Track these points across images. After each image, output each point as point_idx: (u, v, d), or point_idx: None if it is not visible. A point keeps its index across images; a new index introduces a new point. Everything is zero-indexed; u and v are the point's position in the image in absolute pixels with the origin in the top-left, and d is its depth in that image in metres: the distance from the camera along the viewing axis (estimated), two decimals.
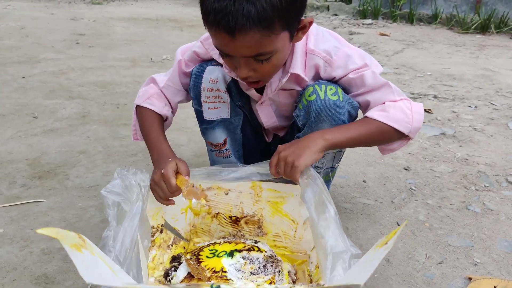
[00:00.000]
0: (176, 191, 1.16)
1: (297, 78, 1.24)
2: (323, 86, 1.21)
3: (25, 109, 2.42)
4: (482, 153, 2.04)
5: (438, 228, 1.48)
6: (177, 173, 1.17)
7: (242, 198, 1.30)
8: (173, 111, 1.43)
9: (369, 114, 1.22)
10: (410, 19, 5.60)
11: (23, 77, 2.97)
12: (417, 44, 4.43)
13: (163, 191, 1.16)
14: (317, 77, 1.26)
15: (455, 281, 1.24)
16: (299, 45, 1.20)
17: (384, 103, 1.22)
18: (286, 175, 1.15)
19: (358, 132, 1.19)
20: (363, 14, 6.10)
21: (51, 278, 1.22)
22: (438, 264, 1.31)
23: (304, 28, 1.11)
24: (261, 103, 1.35)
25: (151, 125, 1.33)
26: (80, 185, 1.69)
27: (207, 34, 1.26)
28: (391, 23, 5.59)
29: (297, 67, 1.22)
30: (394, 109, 1.20)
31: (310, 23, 1.11)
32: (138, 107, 1.39)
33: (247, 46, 1.02)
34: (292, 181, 1.18)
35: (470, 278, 1.24)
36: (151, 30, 4.70)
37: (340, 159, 1.41)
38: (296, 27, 1.08)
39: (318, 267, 1.09)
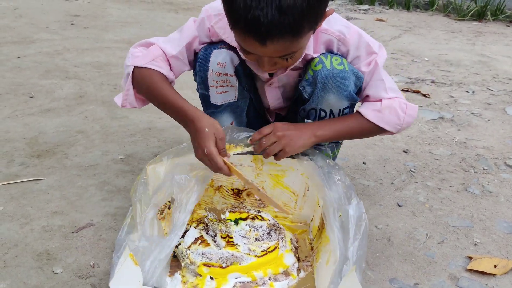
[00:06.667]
0: (223, 167, 1.12)
1: (307, 58, 1.24)
2: (329, 57, 1.22)
3: (21, 88, 2.39)
4: (480, 137, 2.05)
5: (438, 209, 1.49)
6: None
7: (244, 171, 1.31)
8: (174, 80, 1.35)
9: (363, 111, 1.27)
10: (406, 5, 5.57)
11: (18, 57, 2.92)
12: (414, 30, 4.41)
13: (211, 167, 1.14)
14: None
15: (455, 260, 1.25)
16: None
17: (381, 101, 1.26)
18: (270, 152, 1.22)
19: (349, 129, 1.28)
20: None
21: (53, 254, 1.22)
22: (438, 243, 1.32)
23: (325, 18, 1.09)
24: (270, 84, 1.34)
25: (163, 86, 1.21)
26: (79, 164, 1.68)
27: (215, 14, 1.23)
28: (387, 9, 5.56)
29: (309, 47, 1.22)
30: (389, 111, 1.25)
31: (331, 11, 1.10)
32: (138, 69, 1.24)
33: (276, 51, 1.03)
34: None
35: (470, 257, 1.25)
36: (146, 13, 4.64)
37: None
38: (320, 21, 1.08)
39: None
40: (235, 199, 1.38)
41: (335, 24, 1.24)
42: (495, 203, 1.53)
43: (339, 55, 1.25)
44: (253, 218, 1.25)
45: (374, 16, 5.05)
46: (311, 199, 1.32)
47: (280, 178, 1.33)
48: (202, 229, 1.21)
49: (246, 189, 1.37)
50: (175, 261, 1.16)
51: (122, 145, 1.84)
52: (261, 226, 1.22)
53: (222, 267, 1.09)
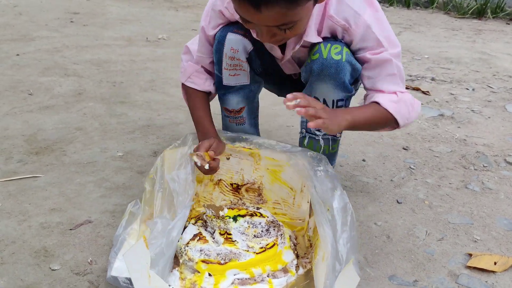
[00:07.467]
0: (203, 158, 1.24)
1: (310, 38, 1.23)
2: (328, 45, 1.20)
3: (20, 86, 2.39)
4: (480, 134, 2.05)
5: (438, 206, 1.48)
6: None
7: (243, 165, 1.31)
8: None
9: (382, 102, 1.22)
10: (406, 3, 5.56)
11: (17, 55, 2.92)
12: (414, 28, 4.41)
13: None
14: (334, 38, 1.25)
15: (455, 257, 1.25)
16: (316, 8, 1.16)
17: (395, 93, 1.24)
18: (315, 112, 1.05)
19: (371, 117, 1.23)
20: None
21: (50, 251, 1.21)
22: (438, 240, 1.32)
23: None
24: (282, 61, 1.35)
25: (195, 104, 1.42)
26: (78, 161, 1.68)
27: None
28: (387, 7, 5.55)
29: (311, 34, 1.20)
30: (404, 104, 1.24)
31: None
32: (183, 84, 1.46)
33: (271, 18, 1.01)
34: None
35: (470, 254, 1.25)
36: (146, 10, 4.63)
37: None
38: None
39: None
40: (234, 195, 1.38)
41: (347, 8, 1.17)
42: (495, 200, 1.52)
43: (342, 42, 1.21)
44: (252, 215, 1.25)
45: None
46: (308, 196, 1.31)
47: (277, 173, 1.33)
48: (201, 226, 1.22)
49: (245, 184, 1.37)
50: (173, 258, 1.16)
51: (121, 142, 1.83)
52: (260, 223, 1.22)
53: (220, 263, 1.08)
